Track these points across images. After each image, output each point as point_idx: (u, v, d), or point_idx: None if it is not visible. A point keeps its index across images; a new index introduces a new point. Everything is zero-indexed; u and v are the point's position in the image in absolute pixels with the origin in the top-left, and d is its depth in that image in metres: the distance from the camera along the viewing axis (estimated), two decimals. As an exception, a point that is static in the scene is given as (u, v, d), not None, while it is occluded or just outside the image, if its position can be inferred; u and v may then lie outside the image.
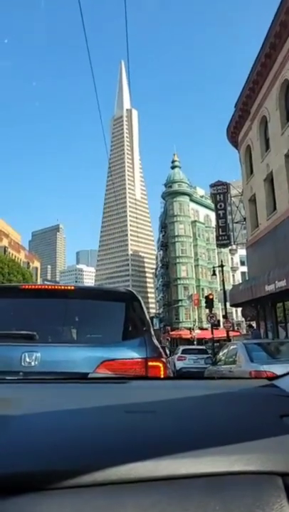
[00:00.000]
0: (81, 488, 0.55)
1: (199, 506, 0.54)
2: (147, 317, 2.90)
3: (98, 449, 0.62)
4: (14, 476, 0.56)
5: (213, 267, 31.80)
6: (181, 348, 20.03)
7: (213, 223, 29.30)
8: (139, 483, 0.56)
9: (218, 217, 23.44)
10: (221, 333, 28.74)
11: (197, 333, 40.75)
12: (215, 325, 26.49)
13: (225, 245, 25.34)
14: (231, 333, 25.47)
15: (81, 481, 0.55)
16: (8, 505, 0.53)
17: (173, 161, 61.19)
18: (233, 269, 54.78)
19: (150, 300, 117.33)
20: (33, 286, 3.24)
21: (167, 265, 56.51)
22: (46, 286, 3.27)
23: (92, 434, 0.68)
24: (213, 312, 26.36)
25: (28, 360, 2.35)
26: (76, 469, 0.57)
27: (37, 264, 69.00)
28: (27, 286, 3.11)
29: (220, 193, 23.22)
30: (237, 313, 42.49)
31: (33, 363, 2.34)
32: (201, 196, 60.90)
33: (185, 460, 0.59)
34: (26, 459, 0.59)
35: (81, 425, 0.73)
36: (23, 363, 2.33)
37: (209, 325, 28.79)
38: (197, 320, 49.32)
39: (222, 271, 25.35)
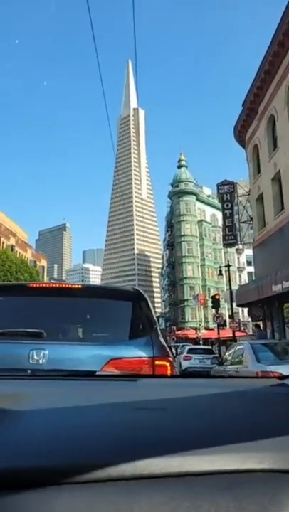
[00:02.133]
0: (96, 483, 0.56)
1: (213, 503, 0.54)
2: (154, 316, 2.90)
3: (112, 445, 0.63)
4: (30, 470, 0.57)
5: (220, 267, 31.74)
6: (187, 347, 20.01)
7: (220, 223, 29.19)
8: (153, 480, 0.56)
9: (224, 216, 23.34)
10: (227, 333, 28.65)
11: (203, 333, 40.68)
12: (221, 325, 26.41)
13: (231, 245, 25.22)
14: (237, 334, 25.39)
15: (96, 477, 0.56)
16: (24, 499, 0.54)
17: (179, 161, 61.07)
18: (240, 269, 54.52)
19: (156, 300, 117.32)
20: (41, 285, 3.25)
21: (173, 265, 56.45)
22: (54, 285, 3.28)
23: (105, 430, 0.69)
24: (219, 312, 26.28)
25: (35, 357, 2.36)
26: (91, 464, 0.57)
27: (43, 262, 69.38)
28: (35, 285, 3.12)
29: (227, 193, 23.12)
30: (243, 314, 42.32)
31: (40, 361, 2.35)
32: (208, 196, 60.71)
33: (197, 457, 0.59)
34: (42, 453, 0.60)
35: (94, 421, 0.73)
36: (30, 361, 2.35)
37: (215, 325, 28.71)
38: (203, 320, 49.21)
39: (228, 271, 25.28)
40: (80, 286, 3.05)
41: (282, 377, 1.03)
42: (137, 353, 2.47)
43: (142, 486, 0.56)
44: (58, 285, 3.23)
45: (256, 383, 1.15)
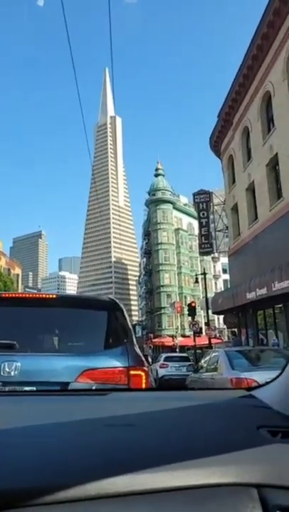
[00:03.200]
0: (59, 505, 0.55)
1: None
2: (130, 326, 2.91)
3: (76, 465, 0.62)
4: None
5: (196, 275, 32.10)
6: (164, 355, 20.02)
7: (196, 231, 29.60)
8: (118, 498, 0.56)
9: (200, 225, 23.71)
10: (203, 340, 28.85)
11: (180, 340, 40.81)
12: (197, 332, 26.60)
13: (207, 253, 25.62)
14: (213, 341, 25.61)
15: (59, 498, 0.55)
16: None
17: (157, 169, 61.68)
18: (216, 277, 55.27)
19: (133, 307, 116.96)
20: (15, 295, 3.19)
21: (150, 273, 56.59)
22: (28, 295, 3.22)
23: (71, 450, 0.68)
24: (195, 320, 26.48)
25: (7, 369, 2.31)
26: (54, 486, 0.56)
27: (18, 270, 67.78)
28: (8, 295, 3.06)
29: (203, 202, 23.53)
30: (219, 321, 42.82)
31: (12, 373, 2.31)
32: (185, 204, 61.48)
33: (164, 473, 0.59)
34: (4, 475, 0.59)
35: (59, 440, 0.72)
36: (2, 373, 2.30)
37: (192, 332, 28.88)
38: (180, 327, 49.44)
39: (204, 279, 25.54)
40: (54, 296, 3.02)
41: (250, 388, 1.05)
42: (111, 362, 2.47)
43: (107, 505, 0.55)
44: (32, 295, 3.18)
45: (225, 395, 1.16)
